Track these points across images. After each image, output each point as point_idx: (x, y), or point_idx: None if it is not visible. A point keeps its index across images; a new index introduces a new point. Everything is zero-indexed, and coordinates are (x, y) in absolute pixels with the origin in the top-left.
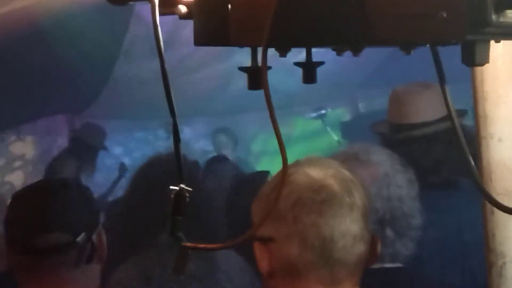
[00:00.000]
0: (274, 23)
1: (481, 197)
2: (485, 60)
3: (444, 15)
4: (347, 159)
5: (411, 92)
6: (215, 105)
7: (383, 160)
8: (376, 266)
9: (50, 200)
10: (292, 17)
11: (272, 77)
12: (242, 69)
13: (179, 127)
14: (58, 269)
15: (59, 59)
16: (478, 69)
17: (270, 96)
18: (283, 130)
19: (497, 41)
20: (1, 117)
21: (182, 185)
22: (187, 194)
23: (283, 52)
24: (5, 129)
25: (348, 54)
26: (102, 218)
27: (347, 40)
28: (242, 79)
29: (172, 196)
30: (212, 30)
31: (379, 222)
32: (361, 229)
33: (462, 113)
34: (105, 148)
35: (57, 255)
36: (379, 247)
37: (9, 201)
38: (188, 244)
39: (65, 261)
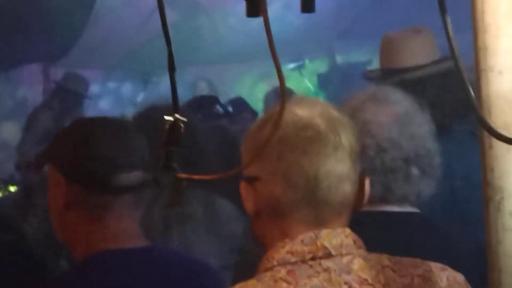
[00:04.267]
0: None
1: (477, 136)
2: None
3: None
4: (366, 99)
5: (402, 36)
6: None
7: (401, 100)
8: (394, 209)
9: (127, 137)
10: None
11: (250, 27)
12: None
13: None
14: (133, 207)
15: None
16: (478, 0)
17: (269, 22)
18: (259, 81)
19: None
20: None
21: (176, 115)
22: (182, 125)
23: None
24: None
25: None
26: None
27: None
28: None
29: (167, 126)
30: None
31: (405, 161)
32: (348, 169)
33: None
34: (88, 97)
35: (135, 194)
36: (367, 188)
37: (76, 134)
38: (183, 175)
39: (140, 200)
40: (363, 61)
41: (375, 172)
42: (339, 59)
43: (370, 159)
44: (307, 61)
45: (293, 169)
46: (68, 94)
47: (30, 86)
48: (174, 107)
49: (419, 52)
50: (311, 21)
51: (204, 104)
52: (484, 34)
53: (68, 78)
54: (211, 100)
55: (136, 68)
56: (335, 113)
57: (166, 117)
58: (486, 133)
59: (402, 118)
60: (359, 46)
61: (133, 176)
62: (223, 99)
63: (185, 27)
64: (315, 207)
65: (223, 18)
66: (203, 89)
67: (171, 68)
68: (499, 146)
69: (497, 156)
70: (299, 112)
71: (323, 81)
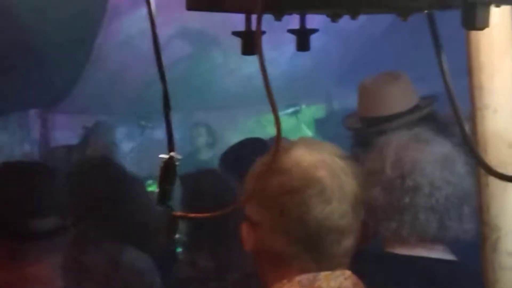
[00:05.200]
0: None
1: (475, 172)
2: (485, 24)
3: None
4: (410, 140)
5: (379, 84)
6: (194, 101)
7: (441, 140)
8: (437, 256)
9: (39, 183)
10: None
11: (247, 72)
12: (236, 33)
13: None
14: (43, 254)
15: (29, 48)
16: (473, 39)
17: (264, 61)
18: (257, 126)
19: (497, 6)
20: None
21: (172, 153)
22: (177, 163)
23: (278, 16)
24: None
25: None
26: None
27: (344, 2)
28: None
29: (162, 164)
30: None
31: (458, 198)
32: (350, 222)
33: (433, 99)
34: (115, 144)
35: (48, 240)
36: (370, 232)
37: None
38: (178, 213)
39: (53, 246)
40: (348, 115)
41: (430, 210)
42: (336, 104)
43: (426, 197)
44: (304, 107)
45: (296, 225)
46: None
47: (28, 132)
48: (169, 146)
49: (397, 99)
50: (308, 66)
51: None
52: (480, 73)
53: (95, 128)
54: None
55: (133, 113)
56: (340, 161)
57: (161, 156)
58: (482, 172)
59: (448, 157)
60: (356, 91)
61: (44, 223)
62: (222, 145)
63: (183, 72)
64: (316, 260)
65: (222, 62)
66: (201, 135)
67: (166, 107)
68: (495, 185)
69: (493, 195)
70: (304, 163)
71: (321, 127)
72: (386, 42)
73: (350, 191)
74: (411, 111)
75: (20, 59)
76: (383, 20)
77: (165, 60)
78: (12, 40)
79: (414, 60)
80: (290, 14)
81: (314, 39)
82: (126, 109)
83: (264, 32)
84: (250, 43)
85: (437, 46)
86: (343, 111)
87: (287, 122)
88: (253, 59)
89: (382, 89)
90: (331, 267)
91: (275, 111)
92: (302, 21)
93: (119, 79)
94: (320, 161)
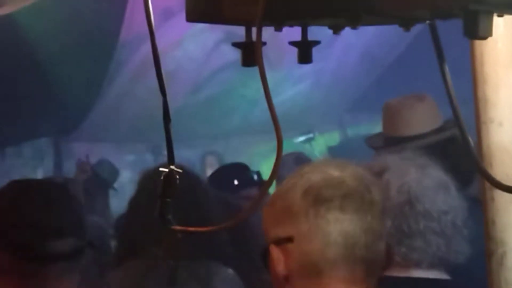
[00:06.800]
0: None
1: (480, 186)
2: (488, 33)
3: None
4: (410, 165)
5: (404, 104)
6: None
7: (436, 165)
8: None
9: (56, 202)
10: None
11: (261, 98)
12: (235, 44)
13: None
14: (62, 276)
15: (44, 77)
16: (478, 51)
17: (265, 73)
18: (270, 155)
19: (500, 15)
20: None
21: (172, 167)
22: (177, 176)
23: (278, 27)
24: None
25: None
26: None
27: (344, 11)
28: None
29: (162, 177)
30: (205, 6)
31: (461, 221)
32: (381, 226)
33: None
34: (113, 188)
35: (67, 262)
36: (392, 253)
37: (4, 199)
38: (178, 227)
39: (72, 268)
40: (373, 133)
41: (439, 235)
42: (349, 131)
43: (435, 222)
44: (317, 134)
45: (332, 226)
46: (99, 180)
47: (41, 161)
48: (169, 159)
49: (421, 120)
50: (321, 94)
51: (238, 172)
52: (484, 85)
53: (101, 165)
54: (244, 167)
55: (146, 140)
56: (363, 171)
57: (161, 169)
58: (487, 186)
59: (446, 181)
60: (369, 118)
61: (64, 244)
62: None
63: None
64: (353, 265)
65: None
66: (212, 163)
67: (166, 119)
68: (501, 199)
69: (499, 209)
70: (329, 171)
71: (334, 154)
72: (399, 68)
73: (378, 197)
74: (435, 132)
75: (34, 87)
76: (396, 47)
77: (211, 66)
78: (26, 68)
79: (432, 85)
80: (291, 26)
81: (326, 67)
82: (139, 137)
83: (264, 43)
84: (251, 54)
85: (440, 56)
86: (356, 138)
87: (300, 150)
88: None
89: (407, 109)
90: (366, 276)
91: (275, 119)
92: (304, 33)
93: (130, 108)
94: (346, 171)
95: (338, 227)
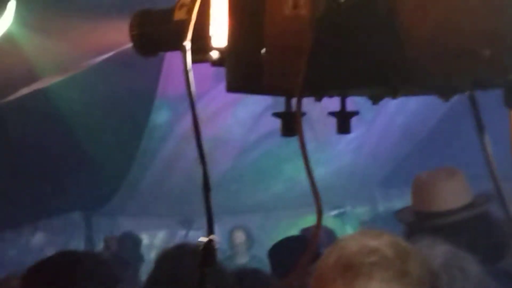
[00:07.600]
0: (308, 68)
1: None
2: None
3: (488, 53)
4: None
5: (436, 179)
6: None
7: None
8: None
9: (103, 275)
10: (327, 61)
11: (291, 173)
12: (276, 114)
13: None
14: None
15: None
16: None
17: (305, 143)
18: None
19: None
20: (19, 211)
21: (211, 237)
22: (216, 246)
23: (318, 98)
24: (22, 223)
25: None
26: None
27: (383, 82)
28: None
29: (201, 248)
30: (245, 76)
31: None
32: None
33: (488, 198)
34: (141, 259)
35: None
36: None
37: (50, 270)
38: None
39: None
40: (402, 208)
41: None
42: (381, 206)
43: None
44: (349, 208)
45: None
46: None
47: (71, 235)
48: (208, 229)
49: (452, 196)
50: (353, 169)
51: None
52: None
53: (124, 239)
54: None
55: (176, 214)
56: (403, 242)
57: (201, 239)
58: None
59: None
60: (401, 193)
61: None
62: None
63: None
64: None
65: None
66: (240, 239)
67: (206, 189)
68: None
69: None
70: (366, 240)
71: (366, 229)
72: (429, 142)
73: (414, 269)
74: (465, 208)
75: (68, 160)
76: (427, 122)
77: (256, 132)
78: (60, 142)
79: (464, 160)
80: (331, 96)
81: (359, 142)
82: (170, 211)
83: (304, 114)
84: (290, 124)
85: (480, 128)
86: (388, 213)
87: (332, 224)
88: None
89: (437, 184)
90: None
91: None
92: (343, 103)
93: (160, 183)
94: (383, 240)
95: None
